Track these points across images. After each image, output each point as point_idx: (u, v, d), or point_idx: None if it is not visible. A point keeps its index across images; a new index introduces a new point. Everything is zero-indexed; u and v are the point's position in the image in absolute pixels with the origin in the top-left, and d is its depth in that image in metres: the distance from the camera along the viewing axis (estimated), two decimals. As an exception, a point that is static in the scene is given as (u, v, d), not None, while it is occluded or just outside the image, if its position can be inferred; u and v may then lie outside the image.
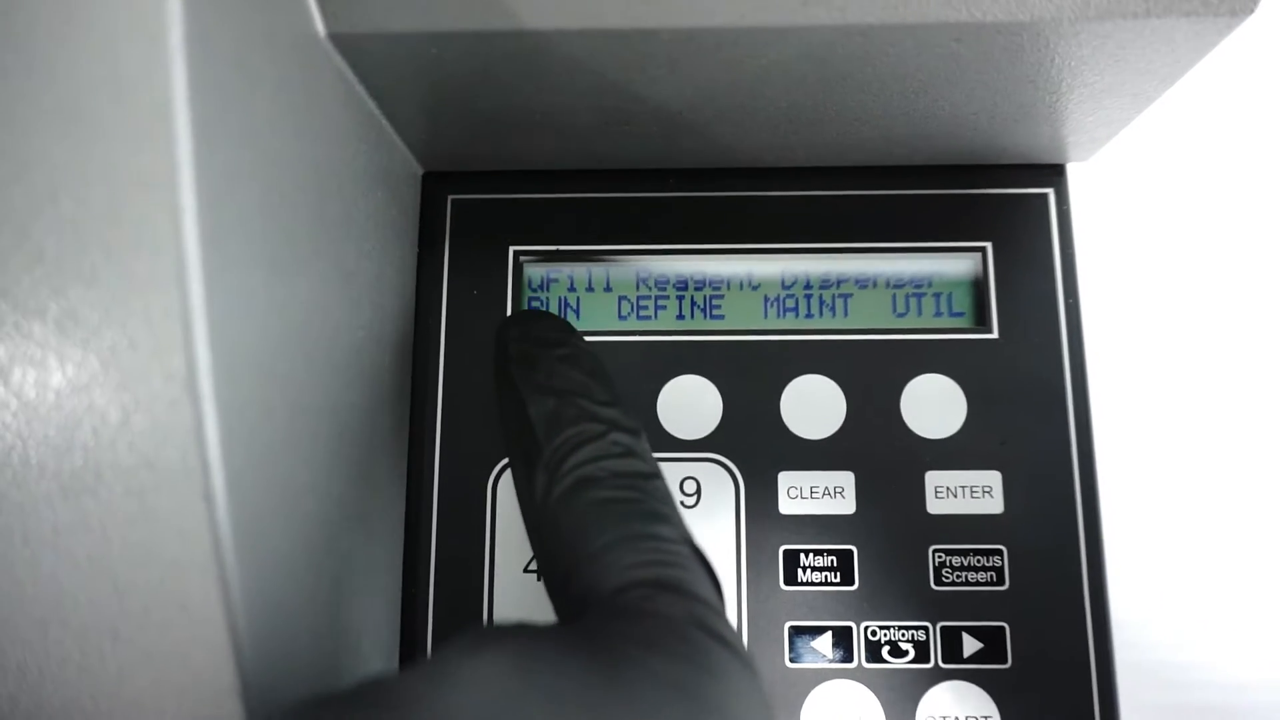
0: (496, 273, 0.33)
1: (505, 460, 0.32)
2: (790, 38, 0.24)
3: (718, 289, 0.33)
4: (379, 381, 0.29)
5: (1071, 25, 0.24)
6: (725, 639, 0.20)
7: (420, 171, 0.34)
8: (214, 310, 0.19)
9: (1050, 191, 0.33)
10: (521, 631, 0.18)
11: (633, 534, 0.22)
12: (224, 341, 0.19)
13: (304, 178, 0.24)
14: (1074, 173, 0.33)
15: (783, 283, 0.33)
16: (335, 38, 0.24)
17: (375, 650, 0.29)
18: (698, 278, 0.33)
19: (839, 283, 0.33)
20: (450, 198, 0.34)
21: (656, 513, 0.23)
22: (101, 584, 0.19)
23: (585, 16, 0.24)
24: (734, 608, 0.31)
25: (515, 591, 0.31)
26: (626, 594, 0.21)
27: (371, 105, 0.28)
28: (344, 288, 0.26)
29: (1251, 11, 0.23)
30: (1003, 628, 0.30)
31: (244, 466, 0.20)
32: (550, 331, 0.27)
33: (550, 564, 0.23)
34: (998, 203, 0.33)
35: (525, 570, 0.31)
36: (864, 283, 0.33)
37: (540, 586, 0.31)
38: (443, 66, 0.26)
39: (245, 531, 0.20)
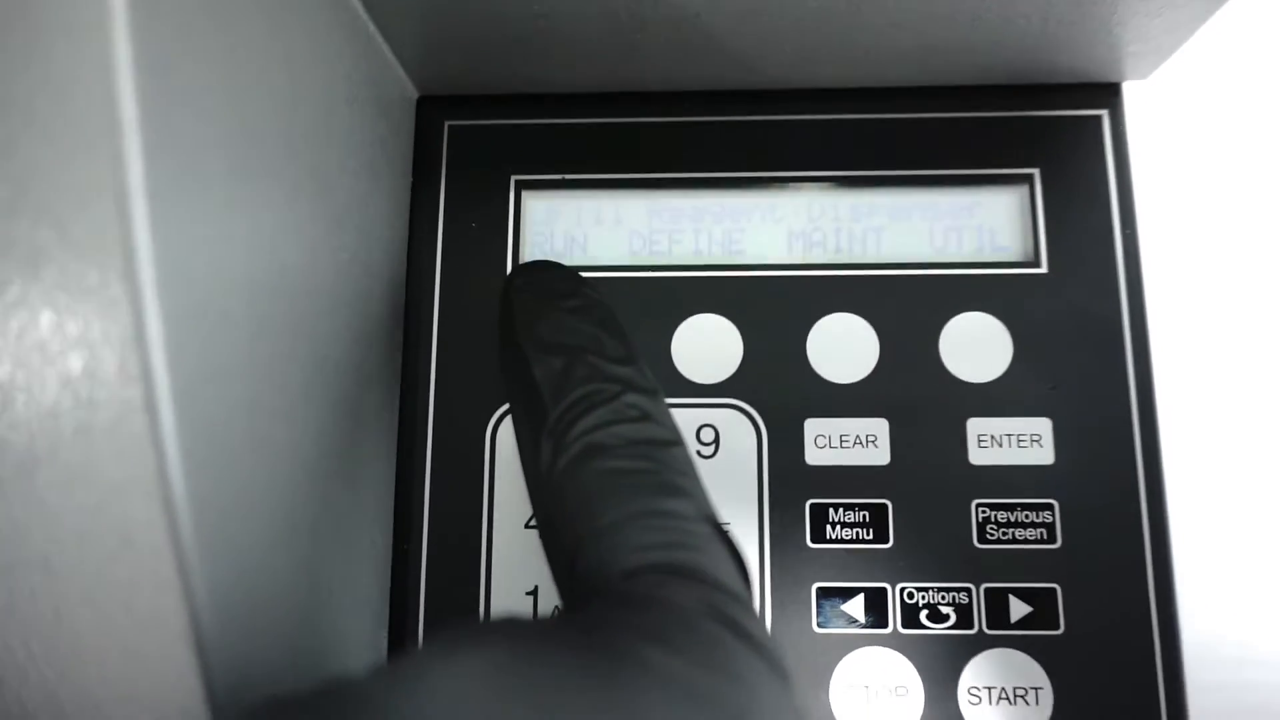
0: (497, 204, 0.30)
1: (506, 407, 0.29)
2: (824, -88, 0.22)
3: (737, 221, 0.30)
4: (365, 314, 0.27)
5: (1146, -109, 0.21)
6: (749, 634, 0.17)
7: (415, 95, 0.31)
8: (163, 212, 0.16)
9: (1104, 113, 0.30)
10: (510, 629, 0.16)
11: (645, 510, 0.19)
12: (176, 249, 0.16)
13: (276, 75, 0.21)
14: (1130, 92, 0.30)
15: (809, 214, 0.30)
16: (312, -84, 0.22)
17: (360, 611, 0.27)
18: (715, 209, 0.30)
19: (870, 214, 0.30)
20: (447, 123, 0.31)
21: (674, 486, 0.20)
22: (29, 507, 0.16)
23: (592, -116, 0.21)
24: (756, 568, 0.28)
25: (516, 549, 0.28)
26: (635, 579, 0.18)
27: (359, 7, 0.26)
28: (320, 201, 0.23)
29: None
30: (1054, 590, 0.27)
31: (194, 381, 0.17)
32: (559, 282, 0.24)
33: (555, 542, 0.20)
34: (1046, 126, 0.30)
35: (527, 526, 0.29)
36: (898, 214, 0.30)
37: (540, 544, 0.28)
38: (434, -44, 0.23)
39: (196, 451, 0.17)
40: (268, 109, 0.21)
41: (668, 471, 0.20)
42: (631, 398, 0.21)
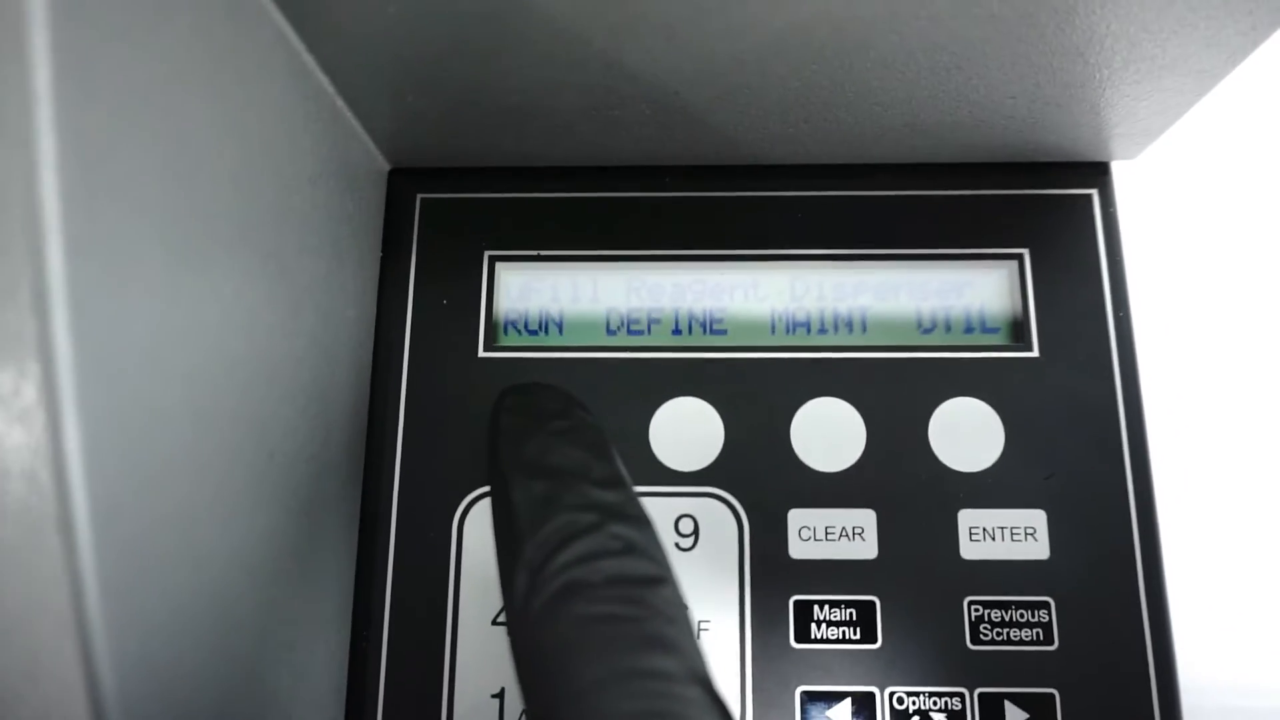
0: (469, 280, 0.29)
1: (474, 494, 0.28)
2: (805, -6, 0.21)
3: (719, 300, 0.29)
4: (325, 401, 0.25)
5: (1136, -21, 0.20)
6: None
7: (386, 167, 0.30)
8: (81, 287, 0.15)
9: (1094, 192, 0.29)
10: None
11: (627, 669, 0.17)
12: (101, 351, 0.15)
13: (226, 148, 0.20)
14: (1119, 172, 0.29)
15: (792, 294, 0.29)
16: (274, -8, 0.21)
17: (312, 715, 0.25)
18: (696, 288, 0.29)
19: (856, 294, 0.29)
20: (420, 196, 0.30)
21: (660, 638, 0.18)
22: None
23: (564, -35, 0.20)
24: (737, 669, 0.26)
25: (481, 648, 0.27)
26: None
27: (323, 79, 0.25)
28: (277, 284, 0.22)
29: (1350, -39, 0.20)
30: (1052, 695, 0.26)
31: (119, 492, 0.16)
32: (549, 403, 0.23)
33: (529, 696, 0.18)
34: (1035, 204, 0.29)
35: (494, 623, 0.27)
36: (885, 294, 0.29)
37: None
38: (405, 30, 0.22)
39: (118, 573, 0.16)
40: (218, 192, 0.20)
41: (654, 619, 0.18)
42: (616, 528, 0.20)
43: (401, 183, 0.30)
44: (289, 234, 0.23)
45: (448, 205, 0.30)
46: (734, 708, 0.26)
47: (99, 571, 0.15)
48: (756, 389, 0.28)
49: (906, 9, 0.21)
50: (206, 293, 0.19)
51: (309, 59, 0.24)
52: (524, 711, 0.26)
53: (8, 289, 0.14)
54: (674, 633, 0.18)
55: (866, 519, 0.27)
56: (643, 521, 0.20)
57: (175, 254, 0.18)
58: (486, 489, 0.28)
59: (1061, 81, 0.25)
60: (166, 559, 0.17)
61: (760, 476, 0.28)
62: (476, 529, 0.27)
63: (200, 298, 0.19)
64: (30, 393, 0.15)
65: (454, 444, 0.28)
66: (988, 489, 0.27)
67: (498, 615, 0.27)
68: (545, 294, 0.29)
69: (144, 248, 0.17)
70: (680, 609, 0.19)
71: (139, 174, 0.17)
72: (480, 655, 0.27)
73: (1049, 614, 0.26)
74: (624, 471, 0.22)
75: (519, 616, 0.19)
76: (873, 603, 0.27)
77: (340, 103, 0.26)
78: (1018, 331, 0.29)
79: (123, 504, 0.16)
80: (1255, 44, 0.23)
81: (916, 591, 0.27)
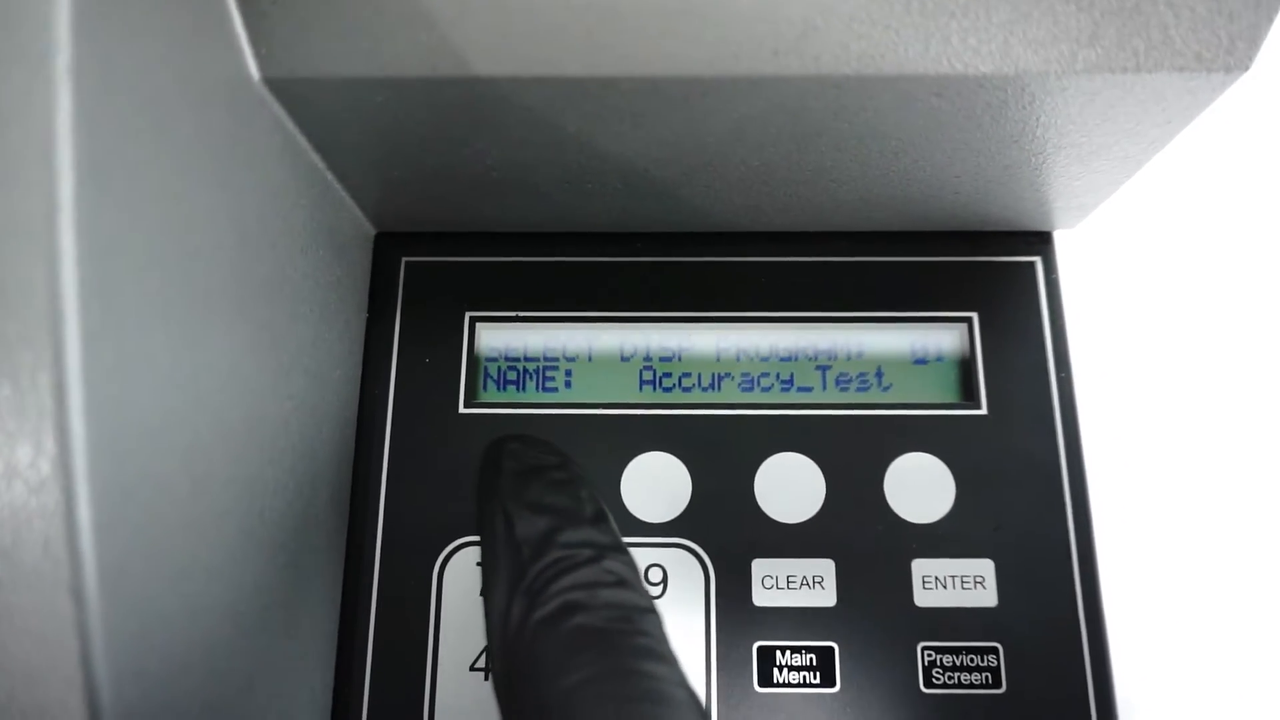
0: (451, 339, 0.31)
1: (453, 545, 0.29)
2: (761, 90, 0.23)
3: (687, 360, 0.31)
4: (311, 457, 0.27)
5: (1058, 80, 0.22)
6: None
7: (372, 232, 0.32)
8: (95, 374, 0.16)
9: (1038, 260, 0.31)
10: None
11: (623, 669, 0.19)
12: (107, 411, 0.17)
13: (226, 231, 0.21)
14: (1062, 240, 0.32)
15: (756, 353, 0.31)
16: (271, 82, 0.23)
17: (297, 762, 0.26)
18: (666, 348, 0.31)
19: (816, 355, 0.31)
20: (404, 259, 0.32)
21: (653, 650, 0.20)
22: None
23: (540, 64, 0.22)
24: (703, 712, 0.28)
25: (460, 693, 0.28)
26: None
27: (315, 158, 0.26)
28: (269, 353, 0.24)
29: (1246, 69, 0.22)
30: (1001, 736, 0.27)
31: (125, 556, 0.17)
32: (547, 454, 0.25)
33: (516, 704, 0.20)
34: (983, 271, 0.31)
35: (472, 669, 0.28)
36: (843, 355, 0.31)
37: (486, 688, 0.28)
38: (391, 116, 0.24)
39: (124, 633, 0.17)
40: (218, 272, 0.21)
41: (647, 637, 0.20)
42: (610, 563, 0.21)
43: (387, 246, 0.32)
44: (281, 304, 0.25)
45: (431, 268, 0.32)
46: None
47: (105, 632, 0.16)
48: (722, 444, 0.30)
49: (852, 103, 0.23)
50: (205, 368, 0.20)
51: (303, 140, 0.25)
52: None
53: (30, 374, 0.16)
54: (664, 650, 0.20)
55: (826, 568, 0.29)
56: (630, 561, 0.22)
57: (178, 334, 0.19)
58: (466, 540, 0.29)
59: (1000, 164, 0.27)
60: (165, 616, 0.19)
61: (726, 528, 0.29)
62: (456, 578, 0.29)
63: (200, 373, 0.20)
64: (45, 467, 0.16)
65: (435, 497, 0.29)
66: (939, 540, 0.29)
67: (475, 660, 0.28)
68: (521, 352, 0.31)
69: (150, 331, 0.18)
70: (666, 637, 0.21)
71: (148, 263, 0.18)
72: (460, 700, 0.28)
73: (997, 659, 0.28)
74: (611, 516, 0.23)
75: (514, 634, 0.20)
76: (831, 649, 0.28)
77: (330, 176, 0.28)
78: (968, 390, 0.30)
79: (128, 570, 0.17)
80: (1172, 135, 0.25)
81: (873, 638, 0.28)
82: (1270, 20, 0.21)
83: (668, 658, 0.20)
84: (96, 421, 0.16)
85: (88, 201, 0.16)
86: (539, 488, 0.23)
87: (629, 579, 0.21)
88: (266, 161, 0.24)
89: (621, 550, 0.22)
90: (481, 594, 0.22)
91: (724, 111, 0.24)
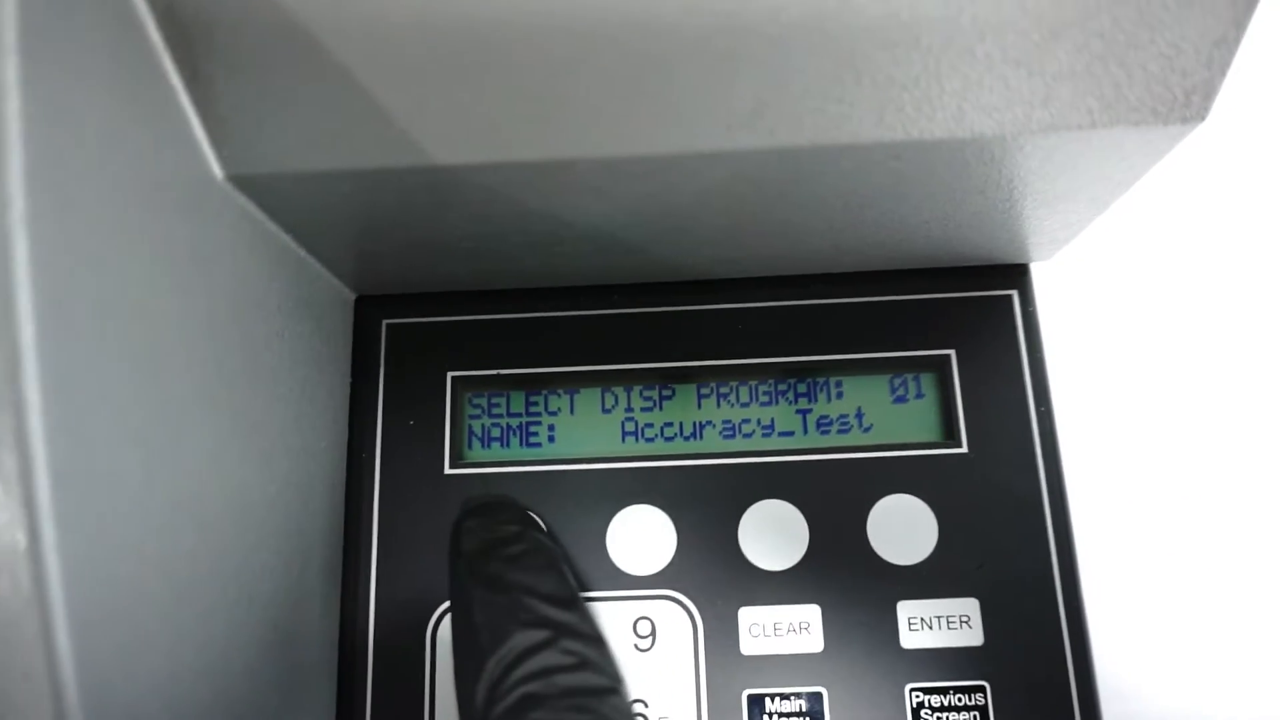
0: (434, 400, 0.31)
1: (444, 607, 0.30)
2: (719, 163, 0.23)
3: (668, 411, 0.31)
4: (300, 533, 0.27)
5: (1015, 140, 0.22)
6: None
7: (352, 297, 0.32)
8: (66, 504, 0.17)
9: (1014, 293, 0.31)
10: None
11: None
12: (80, 538, 0.17)
13: (198, 329, 0.22)
14: (1038, 272, 0.32)
15: (737, 400, 0.31)
16: (235, 179, 0.23)
17: (300, 831, 0.27)
18: (646, 400, 0.31)
19: (795, 399, 0.31)
20: (385, 322, 0.32)
21: None
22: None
23: (497, 151, 0.22)
24: (697, 761, 0.28)
25: (458, 751, 0.28)
26: None
27: (287, 239, 0.27)
28: (250, 442, 0.24)
29: (1203, 119, 0.22)
30: (991, 774, 0.28)
31: (108, 678, 0.18)
32: (508, 524, 0.25)
33: None
34: (959, 307, 0.31)
35: (467, 728, 0.29)
36: (821, 398, 0.31)
37: (483, 748, 0.28)
38: (357, 203, 0.24)
39: (110, 752, 0.17)
40: (189, 365, 0.21)
41: None
42: (570, 644, 0.21)
43: (367, 309, 0.32)
44: (260, 390, 0.25)
45: (412, 329, 0.32)
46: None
47: (91, 757, 0.17)
48: (705, 494, 0.30)
49: (811, 170, 0.23)
50: (182, 471, 0.21)
51: (273, 226, 0.26)
52: None
53: None
54: None
55: (812, 614, 0.29)
56: (594, 638, 0.22)
57: (152, 445, 0.20)
58: (457, 599, 0.30)
59: (968, 210, 0.27)
60: (155, 710, 0.19)
61: (711, 578, 0.29)
62: (449, 639, 0.29)
63: (176, 477, 0.21)
64: (21, 595, 0.17)
65: (425, 558, 0.30)
66: (924, 580, 0.29)
67: None
68: (504, 410, 0.31)
69: (122, 448, 0.19)
70: (630, 714, 0.21)
71: (116, 379, 0.18)
72: (456, 760, 0.28)
73: (985, 697, 0.28)
74: (575, 589, 0.24)
75: None
76: (820, 694, 0.28)
77: (304, 254, 0.28)
78: (948, 429, 0.30)
79: (112, 691, 0.18)
80: (1135, 179, 0.25)
81: (861, 681, 0.29)
82: (1223, 74, 0.21)
83: None
84: (70, 549, 0.17)
85: (51, 343, 0.16)
86: (496, 566, 0.23)
87: (590, 658, 0.21)
88: (236, 252, 0.24)
89: (583, 627, 0.22)
90: (454, 680, 0.22)
91: (685, 183, 0.24)
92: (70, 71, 0.17)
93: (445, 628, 0.29)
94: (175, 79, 0.21)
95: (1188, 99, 0.22)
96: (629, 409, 0.31)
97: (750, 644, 0.29)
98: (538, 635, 0.21)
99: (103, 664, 0.17)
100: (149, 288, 0.20)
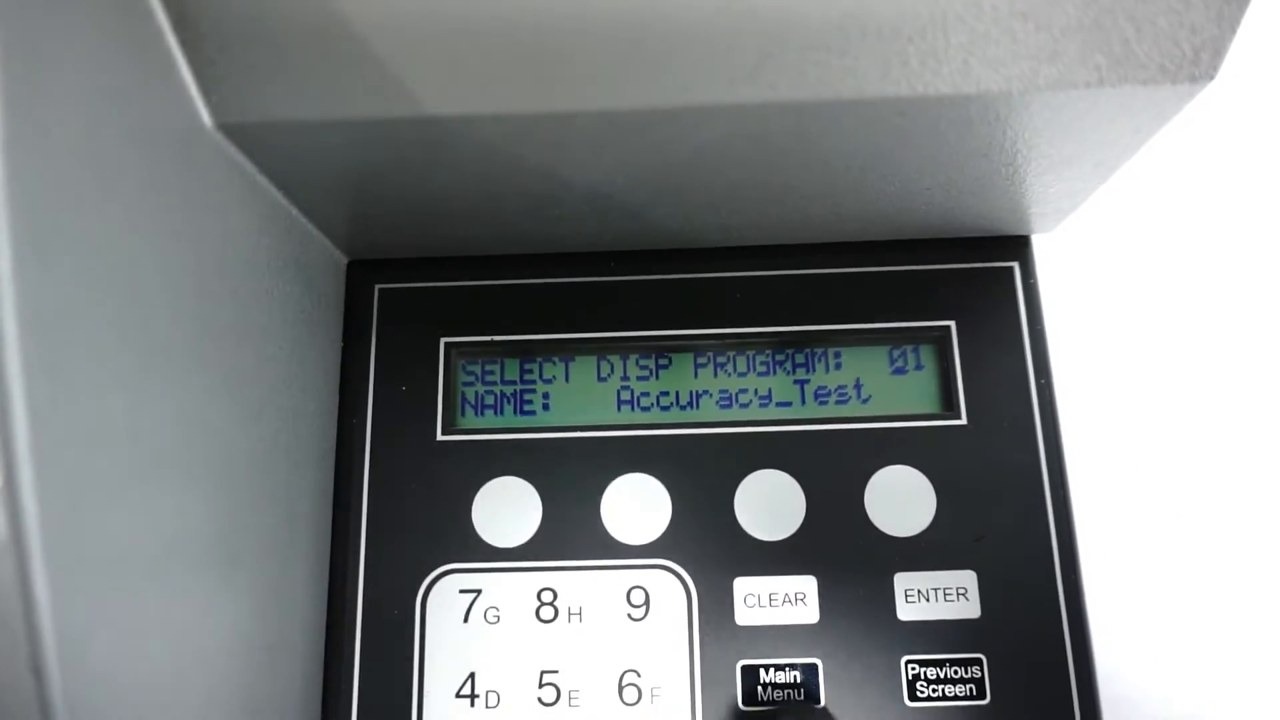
0: (427, 366, 0.31)
1: (436, 573, 0.29)
2: (720, 117, 0.22)
3: (663, 379, 0.31)
4: (290, 493, 0.27)
5: (1021, 98, 0.22)
6: None
7: (344, 261, 0.32)
8: (45, 452, 0.16)
9: (1015, 265, 0.31)
10: None
11: None
12: (60, 486, 0.17)
13: (184, 282, 0.21)
14: (1040, 244, 0.31)
15: (734, 370, 0.31)
16: (225, 128, 0.22)
17: (286, 797, 0.26)
18: (642, 365, 0.31)
19: (793, 369, 0.31)
20: (378, 287, 0.32)
21: None
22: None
23: (493, 102, 0.22)
24: (689, 732, 0.28)
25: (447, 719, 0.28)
26: None
27: (278, 195, 0.26)
28: (238, 398, 0.24)
29: (1212, 78, 0.22)
30: (986, 747, 0.27)
31: (87, 627, 0.17)
32: None
33: None
34: (960, 278, 0.31)
35: (458, 696, 0.28)
36: (819, 368, 0.31)
37: (474, 714, 0.28)
38: (349, 156, 0.24)
39: (94, 702, 0.17)
40: (176, 323, 0.21)
41: None
42: None
43: (360, 274, 0.32)
44: (248, 347, 0.25)
45: (405, 294, 0.31)
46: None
47: (68, 708, 0.16)
48: (701, 463, 0.30)
49: (814, 126, 0.23)
50: (166, 411, 0.20)
51: (264, 180, 0.25)
52: None
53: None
54: None
55: (808, 585, 0.29)
56: None
57: (135, 394, 0.19)
58: (449, 567, 0.29)
59: (971, 175, 0.26)
60: (135, 685, 0.19)
61: (706, 547, 0.29)
62: (439, 605, 0.29)
63: (160, 415, 0.20)
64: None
65: (416, 524, 0.29)
66: (921, 552, 0.29)
67: (461, 686, 0.28)
68: (498, 376, 0.31)
69: (104, 395, 0.18)
70: None
71: (98, 326, 0.18)
72: (445, 729, 0.28)
73: (981, 670, 0.28)
74: None
75: None
76: (815, 665, 0.28)
77: (296, 212, 0.27)
78: (947, 400, 0.30)
79: (86, 617, 0.17)
80: (1142, 142, 0.25)
81: (857, 652, 0.28)
82: (1233, 31, 0.21)
83: None
84: (49, 491, 0.16)
85: (29, 277, 0.16)
86: None
87: None
88: (226, 205, 0.24)
89: None
90: None
91: (684, 139, 0.24)
92: (49, 6, 0.17)
93: (436, 595, 0.29)
94: (162, 19, 0.20)
95: (1197, 56, 0.21)
96: (625, 377, 0.31)
97: (745, 614, 0.29)
98: None
99: (80, 612, 0.17)
100: (133, 231, 0.19)
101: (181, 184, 0.21)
